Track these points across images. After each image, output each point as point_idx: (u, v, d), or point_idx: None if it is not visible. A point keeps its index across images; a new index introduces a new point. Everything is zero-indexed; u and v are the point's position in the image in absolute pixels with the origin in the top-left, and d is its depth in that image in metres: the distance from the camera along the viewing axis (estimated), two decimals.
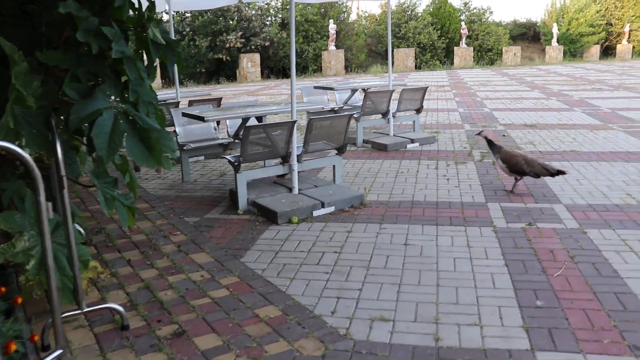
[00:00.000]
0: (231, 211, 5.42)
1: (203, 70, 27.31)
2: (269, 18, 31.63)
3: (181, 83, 26.14)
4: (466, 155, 7.34)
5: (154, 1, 3.14)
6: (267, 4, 32.03)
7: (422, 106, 8.71)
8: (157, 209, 5.72)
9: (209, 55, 26.80)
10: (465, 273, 3.72)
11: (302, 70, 29.85)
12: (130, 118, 2.80)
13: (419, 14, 33.08)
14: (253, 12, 28.92)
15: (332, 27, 28.86)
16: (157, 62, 3.25)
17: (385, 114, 8.43)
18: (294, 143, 5.43)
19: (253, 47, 27.81)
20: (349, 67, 30.58)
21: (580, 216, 4.75)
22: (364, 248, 4.25)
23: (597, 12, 34.69)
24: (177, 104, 8.19)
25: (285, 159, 5.52)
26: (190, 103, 8.13)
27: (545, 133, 8.77)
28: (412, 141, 8.10)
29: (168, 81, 26.30)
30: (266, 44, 28.08)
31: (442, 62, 31.75)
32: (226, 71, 28.19)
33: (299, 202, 5.19)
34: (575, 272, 3.66)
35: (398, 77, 23.83)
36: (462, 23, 32.01)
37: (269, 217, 5.07)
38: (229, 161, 5.44)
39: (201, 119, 5.66)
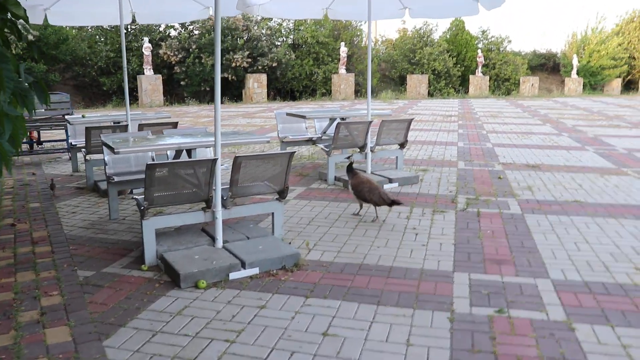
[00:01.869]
0: (138, 264, 4.37)
1: (207, 89, 26.54)
2: (280, 38, 30.93)
3: (184, 102, 25.42)
4: (448, 202, 6.21)
5: None
6: (279, 24, 31.39)
7: (406, 140, 7.62)
8: (56, 254, 4.69)
9: (213, 74, 25.99)
10: None
11: (311, 93, 28.99)
12: None
13: (435, 40, 32.13)
14: (263, 31, 28.20)
15: (343, 50, 28.01)
16: None
17: (362, 148, 7.35)
18: (217, 184, 4.37)
19: (260, 67, 27.02)
20: (359, 92, 29.64)
21: (570, 301, 3.59)
22: (268, 337, 3.14)
23: (619, 45, 33.45)
24: (125, 127, 7.19)
25: (209, 203, 4.46)
26: (140, 127, 7.14)
27: (548, 177, 7.60)
28: (390, 181, 6.99)
29: (170, 98, 25.57)
30: (273, 65, 27.28)
31: (456, 90, 30.68)
32: (232, 91, 27.41)
33: (215, 259, 4.12)
34: None
35: (408, 104, 22.80)
36: (479, 51, 30.97)
37: (173, 277, 4.00)
38: (137, 203, 4.40)
39: (112, 149, 4.64)
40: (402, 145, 7.67)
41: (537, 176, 7.65)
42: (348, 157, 6.29)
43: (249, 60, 26.64)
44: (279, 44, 29.76)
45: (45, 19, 7.88)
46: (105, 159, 5.80)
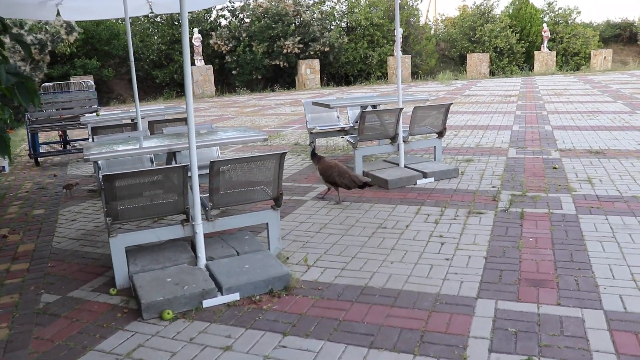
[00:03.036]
0: (110, 287, 3.80)
1: (259, 77, 26.11)
2: (334, 22, 30.06)
3: (235, 91, 25.12)
4: (489, 200, 5.31)
5: None
6: (331, 7, 30.51)
7: (444, 128, 6.72)
8: (29, 273, 4.21)
9: (265, 62, 25.56)
10: None
11: (366, 77, 28.03)
12: None
13: (497, 16, 30.31)
14: (315, 14, 27.41)
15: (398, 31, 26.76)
16: None
17: (393, 139, 6.52)
18: (195, 194, 3.71)
19: (312, 52, 26.31)
20: (416, 74, 28.40)
21: (629, 346, 2.70)
22: None
23: None
24: (134, 126, 6.67)
25: (188, 215, 3.82)
26: (151, 125, 6.60)
27: (614, 165, 6.50)
28: (425, 175, 6.14)
29: (221, 88, 25.33)
30: (326, 50, 26.49)
31: (520, 67, 28.83)
32: (284, 78, 26.90)
33: (188, 283, 3.47)
34: None
35: (467, 85, 21.49)
36: (545, 25, 28.89)
37: (139, 305, 3.39)
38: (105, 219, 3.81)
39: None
40: (440, 134, 6.77)
41: (601, 165, 6.57)
42: (310, 143, 5.89)
43: (301, 46, 25.98)
44: (332, 28, 28.92)
45: (58, 14, 7.48)
46: (99, 162, 5.27)
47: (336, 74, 28.61)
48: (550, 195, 5.35)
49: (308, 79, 26.32)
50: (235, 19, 27.39)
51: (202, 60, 24.35)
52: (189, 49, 3.61)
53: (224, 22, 27.62)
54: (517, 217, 4.75)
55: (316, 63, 26.20)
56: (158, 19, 27.16)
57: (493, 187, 5.81)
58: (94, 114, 8.11)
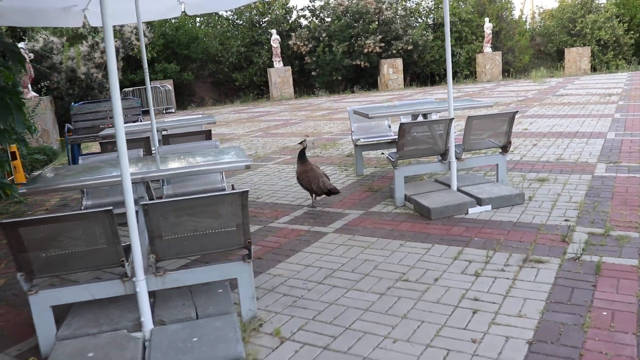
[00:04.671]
0: (33, 354, 3.01)
1: (340, 78, 25.22)
2: (419, 19, 28.60)
3: (313, 93, 24.43)
4: (556, 241, 4.05)
5: None
6: (417, 3, 29.08)
7: (509, 141, 5.45)
8: None
9: (345, 62, 24.63)
10: None
11: (453, 76, 26.29)
12: None
13: (601, 5, 27.48)
14: (398, 11, 26.11)
15: (487, 27, 24.90)
16: None
17: (444, 156, 5.36)
18: (134, 244, 2.84)
19: (394, 51, 25.04)
20: (508, 72, 26.33)
21: None
22: None
23: None
24: (146, 140, 5.95)
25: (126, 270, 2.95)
26: (166, 139, 5.87)
27: None
28: (480, 202, 4.93)
29: (300, 90, 24.71)
30: (409, 48, 25.13)
31: (628, 61, 25.91)
32: (366, 78, 25.83)
33: None
34: None
35: (562, 83, 19.41)
36: None
37: None
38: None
39: None
40: (504, 149, 5.51)
41: None
42: (301, 142, 5.64)
43: (382, 44, 24.79)
44: (416, 25, 27.49)
45: (86, 19, 6.96)
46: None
47: (421, 74, 27.14)
48: None
49: (390, 79, 25.09)
50: (316, 18, 26.65)
51: (281, 62, 23.82)
52: (115, 61, 2.74)
53: (304, 22, 26.99)
54: (590, 270, 3.49)
55: (399, 62, 24.91)
56: (239, 21, 27.02)
57: (566, 220, 4.51)
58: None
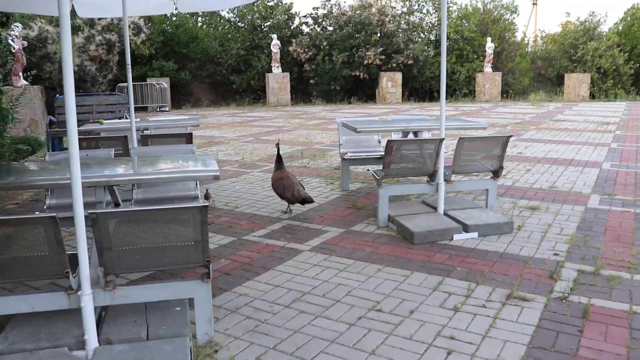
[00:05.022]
0: None
1: (338, 87, 25.01)
2: (421, 34, 28.51)
3: (310, 101, 24.23)
4: (543, 277, 3.81)
5: None
6: (420, 18, 29.02)
7: (501, 166, 5.22)
8: None
9: (344, 72, 24.44)
10: None
11: (452, 93, 26.18)
12: None
13: (603, 33, 27.48)
14: (401, 24, 25.97)
15: (489, 47, 24.80)
16: None
17: (432, 177, 5.12)
18: (81, 254, 2.57)
19: (394, 65, 24.89)
20: (507, 93, 26.22)
21: None
22: None
23: None
24: (124, 139, 5.68)
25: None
26: (144, 139, 5.61)
27: None
28: (466, 228, 4.69)
29: (297, 97, 24.49)
30: (409, 62, 24.98)
31: (627, 91, 25.87)
32: (365, 90, 25.65)
33: None
34: None
35: (560, 108, 19.28)
36: None
37: None
38: None
39: None
40: (495, 174, 5.28)
41: None
42: (277, 145, 5.62)
43: (383, 57, 24.64)
44: (418, 40, 27.39)
45: (73, 11, 6.72)
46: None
47: (420, 89, 27.01)
48: (637, 278, 3.77)
49: (389, 93, 24.92)
50: (318, 26, 26.49)
51: (280, 68, 23.60)
52: (70, 50, 2.50)
53: (306, 29, 26.82)
54: (578, 313, 3.24)
55: (398, 76, 24.75)
56: (240, 24, 26.84)
57: (555, 254, 4.27)
58: (97, 122, 7.26)
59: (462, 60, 26.88)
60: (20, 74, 13.11)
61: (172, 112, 20.46)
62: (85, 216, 2.47)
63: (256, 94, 25.16)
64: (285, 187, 5.27)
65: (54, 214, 2.44)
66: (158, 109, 20.81)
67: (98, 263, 2.64)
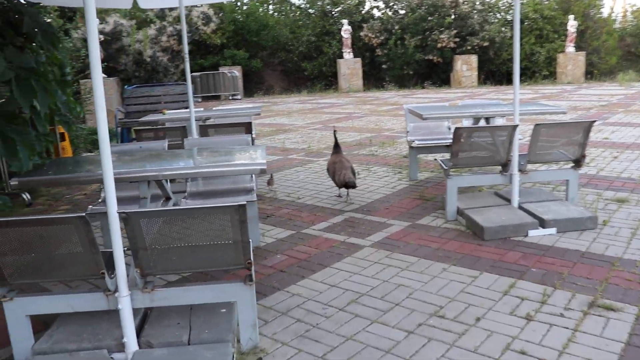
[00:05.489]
0: None
1: (411, 72, 24.37)
2: (497, 14, 27.22)
3: (383, 87, 23.78)
4: (634, 283, 3.36)
5: None
6: None
7: (583, 155, 4.73)
8: None
9: (417, 56, 23.77)
10: None
11: (531, 75, 24.90)
12: None
13: None
14: (477, 5, 24.91)
15: (572, 25, 23.33)
16: None
17: (505, 167, 4.71)
18: (117, 256, 2.44)
19: (469, 47, 23.92)
20: (591, 73, 24.62)
21: None
22: None
23: None
24: (182, 130, 5.60)
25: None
26: (204, 129, 5.52)
27: None
28: (543, 224, 4.27)
29: (370, 83, 24.10)
30: (485, 44, 23.94)
31: None
32: (439, 74, 24.84)
33: None
34: None
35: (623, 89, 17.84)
36: None
37: None
38: None
39: None
40: (577, 163, 4.79)
41: None
42: (334, 132, 5.79)
43: (457, 40, 23.74)
44: (494, 20, 26.17)
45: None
46: None
47: (496, 72, 25.83)
48: None
49: (464, 76, 24.02)
50: (389, 10, 25.87)
51: (351, 53, 23.25)
52: (97, 55, 2.34)
53: (377, 13, 26.26)
54: None
55: (474, 59, 23.78)
56: (310, 10, 26.67)
57: None
58: (161, 112, 7.26)
59: (541, 40, 25.43)
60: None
61: (243, 101, 20.63)
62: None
63: (328, 80, 24.96)
64: (335, 170, 5.32)
65: (83, 214, 2.31)
66: (230, 97, 21.05)
67: (135, 265, 2.50)
